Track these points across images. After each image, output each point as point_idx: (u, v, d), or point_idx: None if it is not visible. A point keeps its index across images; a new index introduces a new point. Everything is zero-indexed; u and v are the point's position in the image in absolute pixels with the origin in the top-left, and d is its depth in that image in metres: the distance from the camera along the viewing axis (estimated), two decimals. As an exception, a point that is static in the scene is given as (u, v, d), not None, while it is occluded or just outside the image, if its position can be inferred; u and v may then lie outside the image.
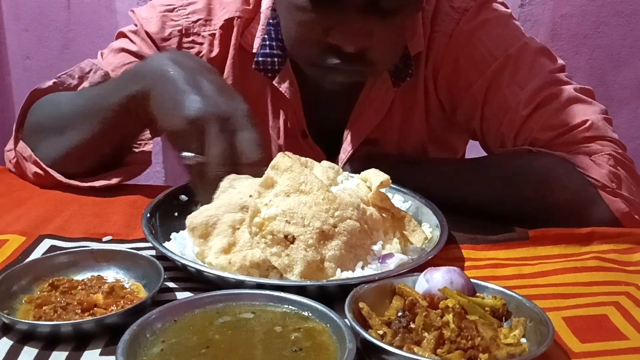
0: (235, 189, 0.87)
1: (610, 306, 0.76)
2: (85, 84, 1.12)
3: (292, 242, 0.75)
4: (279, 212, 0.76)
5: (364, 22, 0.95)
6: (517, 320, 0.68)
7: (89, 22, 2.15)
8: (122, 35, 1.17)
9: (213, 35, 1.14)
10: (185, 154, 0.86)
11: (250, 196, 0.82)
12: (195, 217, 0.82)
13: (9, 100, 2.30)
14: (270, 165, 0.83)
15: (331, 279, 0.75)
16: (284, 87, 1.14)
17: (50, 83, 1.12)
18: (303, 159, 0.87)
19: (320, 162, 0.90)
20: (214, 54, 1.14)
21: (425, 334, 0.64)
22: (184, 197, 0.94)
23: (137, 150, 1.12)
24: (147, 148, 1.13)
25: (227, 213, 0.81)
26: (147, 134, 1.12)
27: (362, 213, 0.81)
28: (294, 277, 0.74)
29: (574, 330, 0.71)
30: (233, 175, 0.89)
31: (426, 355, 0.61)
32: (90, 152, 1.05)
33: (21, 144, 1.09)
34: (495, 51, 1.10)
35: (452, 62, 1.13)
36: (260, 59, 1.12)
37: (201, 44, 1.14)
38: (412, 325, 0.66)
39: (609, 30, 1.90)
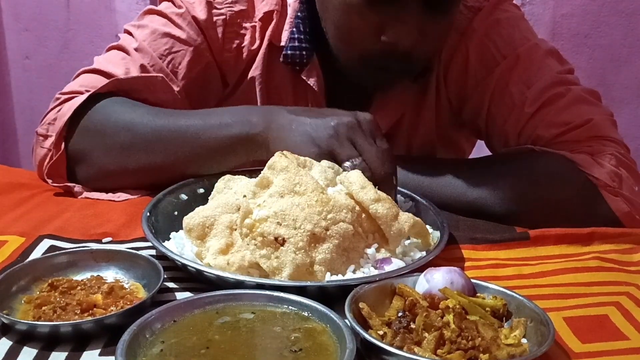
0: (231, 190, 0.86)
1: (611, 306, 0.76)
2: (150, 97, 1.06)
3: (282, 245, 0.75)
4: (271, 213, 0.76)
5: (419, 20, 0.96)
6: (518, 320, 0.67)
7: (89, 21, 2.15)
8: (155, 12, 1.12)
9: (254, 27, 1.13)
10: (347, 164, 0.88)
11: (244, 196, 0.81)
12: (192, 218, 0.81)
13: (8, 100, 2.30)
14: (267, 164, 0.83)
15: (329, 279, 0.75)
16: (312, 81, 1.13)
17: (108, 80, 1.04)
18: (302, 158, 0.86)
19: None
20: (255, 46, 1.13)
21: (426, 335, 0.64)
22: (184, 197, 0.94)
23: None
24: None
25: (224, 214, 0.81)
26: None
27: (357, 215, 0.80)
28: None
29: (574, 331, 0.71)
30: (228, 176, 0.89)
31: (426, 356, 0.61)
32: (153, 178, 1.00)
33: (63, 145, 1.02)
34: (505, 50, 1.11)
35: (463, 60, 1.14)
36: (289, 52, 1.11)
37: (243, 35, 1.13)
38: (413, 326, 0.66)
39: (609, 30, 1.90)
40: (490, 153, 1.19)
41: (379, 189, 0.83)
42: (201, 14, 1.10)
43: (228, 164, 0.98)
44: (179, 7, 1.11)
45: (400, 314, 0.68)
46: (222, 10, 1.12)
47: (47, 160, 1.03)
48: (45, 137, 1.05)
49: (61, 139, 1.02)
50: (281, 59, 1.12)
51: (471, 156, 1.37)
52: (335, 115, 0.92)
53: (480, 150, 1.28)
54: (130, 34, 1.12)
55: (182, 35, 1.10)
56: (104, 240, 0.88)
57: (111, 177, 1.03)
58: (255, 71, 1.14)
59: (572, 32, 1.90)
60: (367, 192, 0.81)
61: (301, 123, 0.92)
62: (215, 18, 1.11)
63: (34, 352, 0.65)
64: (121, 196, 1.02)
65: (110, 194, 1.02)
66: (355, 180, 0.82)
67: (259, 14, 1.13)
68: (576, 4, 1.88)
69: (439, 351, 0.62)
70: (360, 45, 1.01)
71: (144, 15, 1.14)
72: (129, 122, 1.01)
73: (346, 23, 1.01)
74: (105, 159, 1.02)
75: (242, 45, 1.13)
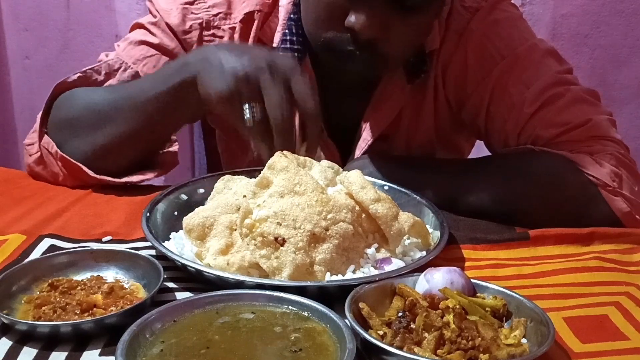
0: (231, 190, 0.86)
1: (611, 306, 0.76)
2: (113, 81, 1.10)
3: (282, 245, 0.75)
4: (271, 213, 0.76)
5: (385, 13, 0.96)
6: (518, 320, 0.67)
7: (88, 21, 2.15)
8: (138, 26, 1.16)
9: (233, 28, 1.14)
10: (245, 106, 0.89)
11: (244, 196, 0.81)
12: (192, 219, 0.82)
13: (8, 100, 2.30)
14: (266, 164, 0.83)
15: (329, 279, 0.75)
16: None
17: (75, 77, 1.10)
18: (302, 158, 0.86)
19: (332, 157, 0.89)
20: None
21: (426, 335, 0.64)
22: (183, 197, 0.94)
23: (163, 151, 1.12)
24: (173, 148, 1.13)
25: (224, 214, 0.81)
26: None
27: (357, 215, 0.80)
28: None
29: (574, 331, 0.71)
30: (228, 176, 0.89)
31: (426, 356, 0.61)
32: (127, 148, 1.04)
33: (46, 138, 1.06)
34: (504, 50, 1.11)
35: (461, 60, 1.13)
36: (281, 53, 1.11)
37: (221, 37, 1.14)
38: (413, 326, 0.66)
39: (609, 30, 1.89)
40: (489, 153, 1.19)
41: (278, 137, 0.86)
42: (175, 20, 1.13)
43: (180, 116, 1.03)
44: (154, 16, 1.15)
45: (400, 314, 0.68)
46: (198, 15, 1.14)
47: (41, 166, 1.07)
48: (32, 144, 1.09)
49: (42, 135, 1.07)
50: None
51: (471, 156, 1.37)
52: (252, 53, 0.93)
53: (480, 150, 1.28)
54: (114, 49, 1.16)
55: (155, 41, 1.13)
56: (104, 240, 0.88)
57: (87, 161, 1.04)
58: None
59: (572, 32, 1.89)
60: (367, 192, 0.81)
61: (217, 58, 0.93)
62: (190, 22, 1.13)
63: (34, 352, 0.65)
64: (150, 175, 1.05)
65: (139, 175, 1.05)
66: (355, 180, 0.83)
67: (238, 15, 1.14)
68: (576, 4, 1.87)
69: (439, 351, 0.62)
70: (325, 28, 1.01)
71: (130, 31, 1.17)
72: (89, 103, 1.06)
73: (315, 5, 1.01)
74: (77, 143, 1.04)
75: None
